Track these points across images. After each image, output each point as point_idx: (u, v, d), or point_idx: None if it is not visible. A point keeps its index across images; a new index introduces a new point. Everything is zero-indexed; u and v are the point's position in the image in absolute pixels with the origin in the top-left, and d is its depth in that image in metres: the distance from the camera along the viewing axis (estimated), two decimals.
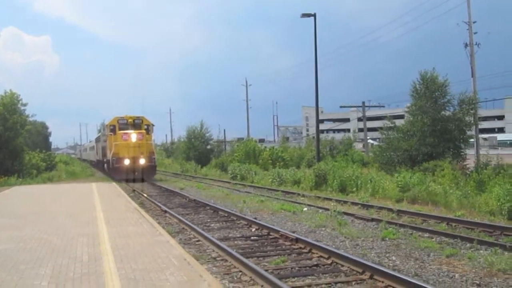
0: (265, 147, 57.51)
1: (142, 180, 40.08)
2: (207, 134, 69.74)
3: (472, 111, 33.43)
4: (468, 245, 12.86)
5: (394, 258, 11.68)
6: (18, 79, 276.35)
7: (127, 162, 40.59)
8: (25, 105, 47.15)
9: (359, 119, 68.18)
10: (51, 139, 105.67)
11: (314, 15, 35.87)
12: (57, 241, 13.08)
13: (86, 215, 18.50)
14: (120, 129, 43.01)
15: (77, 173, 55.72)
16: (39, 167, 51.16)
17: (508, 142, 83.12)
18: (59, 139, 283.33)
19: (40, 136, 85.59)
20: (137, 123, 44.00)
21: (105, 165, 47.49)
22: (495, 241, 13.05)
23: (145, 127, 44.19)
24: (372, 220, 17.29)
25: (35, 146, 62.92)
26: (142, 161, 40.98)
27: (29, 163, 48.68)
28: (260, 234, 15.26)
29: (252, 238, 14.71)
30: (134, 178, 40.04)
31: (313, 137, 61.01)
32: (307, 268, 10.85)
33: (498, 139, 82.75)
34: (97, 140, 59.70)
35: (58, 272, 9.61)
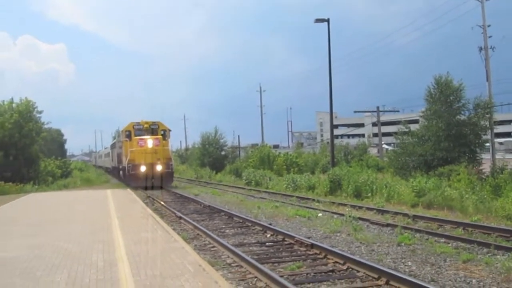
0: (280, 152, 57.54)
1: (160, 187, 38.17)
2: (222, 140, 69.84)
3: (487, 115, 33.20)
4: (485, 250, 12.74)
5: (410, 263, 11.60)
6: (33, 87, 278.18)
7: (143, 168, 39.17)
8: (40, 112, 47.62)
9: (374, 124, 67.85)
10: (66, 146, 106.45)
11: (328, 21, 35.86)
12: (73, 247, 13.11)
13: (101, 222, 18.55)
14: (136, 135, 41.69)
15: (92, 180, 56.04)
16: (55, 174, 51.50)
17: None
18: (74, 146, 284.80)
19: (56, 143, 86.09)
20: (153, 129, 42.70)
21: (121, 172, 46.14)
22: None
23: (162, 132, 42.92)
24: (388, 225, 17.19)
25: (50, 153, 63.39)
26: (159, 168, 39.59)
27: (44, 170, 49.03)
28: (275, 240, 15.22)
29: (267, 244, 14.67)
30: (151, 185, 38.10)
31: (328, 142, 60.99)
32: (323, 273, 10.80)
33: None
34: (113, 146, 58.68)
35: (73, 278, 9.63)
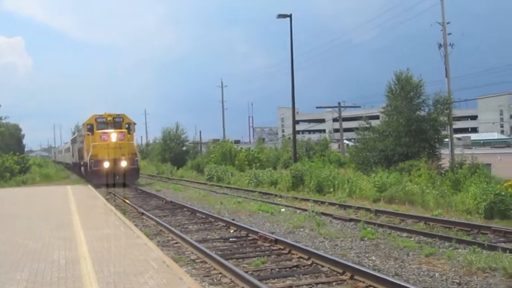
0: (241, 148, 57.41)
1: (124, 185, 35.47)
2: (183, 136, 69.61)
3: (446, 111, 33.64)
4: (447, 244, 12.92)
5: (374, 258, 11.69)
6: None
7: (106, 164, 36.71)
8: None
9: (335, 120, 68.40)
10: (24, 141, 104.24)
11: (290, 16, 35.87)
12: (33, 244, 12.86)
13: (62, 218, 18.25)
14: (99, 128, 39.10)
15: (52, 176, 55.08)
16: (13, 170, 50.40)
17: (482, 141, 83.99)
18: (33, 141, 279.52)
19: (13, 138, 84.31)
20: (117, 122, 40.07)
21: (82, 168, 43.65)
22: (473, 240, 13.17)
23: (126, 125, 40.42)
24: (351, 220, 17.31)
25: (8, 149, 61.91)
26: (123, 164, 37.16)
27: (2, 166, 47.99)
28: (238, 235, 15.19)
29: (230, 239, 14.63)
30: (115, 183, 35.65)
31: (289, 138, 61.16)
32: (287, 269, 10.79)
33: (471, 138, 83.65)
34: (73, 141, 55.82)
35: (34, 276, 9.43)
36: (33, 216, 19.33)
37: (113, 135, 37.71)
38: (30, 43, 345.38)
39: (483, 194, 17.90)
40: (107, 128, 38.98)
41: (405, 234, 14.49)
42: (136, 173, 39.43)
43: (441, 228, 15.30)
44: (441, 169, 29.61)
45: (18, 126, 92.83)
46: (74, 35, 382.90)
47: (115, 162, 37.04)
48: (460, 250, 12.21)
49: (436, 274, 10.07)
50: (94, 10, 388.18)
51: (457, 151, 37.94)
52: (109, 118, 39.99)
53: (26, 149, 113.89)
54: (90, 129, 39.50)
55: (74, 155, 53.96)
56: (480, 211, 17.67)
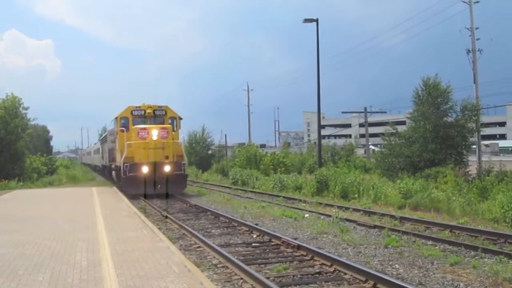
0: (266, 152, 57.39)
1: (166, 196, 29.43)
2: (209, 139, 69.68)
3: (474, 118, 33.29)
4: (473, 253, 12.71)
5: (397, 266, 11.53)
6: (20, 83, 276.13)
7: (145, 169, 29.43)
8: (26, 108, 47.19)
9: (361, 125, 68.12)
10: (52, 143, 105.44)
11: (317, 21, 35.82)
12: (56, 246, 12.94)
13: (85, 220, 18.34)
14: (135, 123, 32.00)
15: (78, 177, 55.66)
16: (40, 171, 51.14)
17: (510, 148, 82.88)
18: (61, 143, 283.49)
19: (41, 139, 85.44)
20: (158, 115, 33.04)
21: (114, 172, 36.71)
22: (500, 249, 12.89)
23: (170, 120, 33.27)
24: (375, 227, 17.13)
25: (36, 150, 62.92)
26: (167, 169, 29.81)
27: (30, 167, 48.60)
28: (261, 240, 15.13)
29: (253, 244, 14.57)
30: (155, 193, 29.55)
31: (315, 142, 60.96)
32: (309, 276, 10.70)
33: (499, 145, 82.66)
34: (103, 140, 47.91)
35: (56, 278, 9.47)
36: (58, 218, 19.44)
37: (154, 132, 30.20)
38: (60, 46, 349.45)
39: (510, 202, 17.62)
40: (146, 123, 31.88)
41: (430, 242, 14.28)
42: (183, 180, 31.55)
43: (467, 236, 15.04)
44: (468, 176, 29.27)
45: (46, 127, 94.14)
46: (104, 39, 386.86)
47: (156, 166, 29.73)
48: (486, 259, 11.99)
49: (461, 284, 9.90)
50: (122, 14, 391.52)
51: (484, 158, 37.55)
52: (148, 111, 32.70)
53: (54, 151, 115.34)
54: (125, 124, 32.33)
55: (103, 157, 46.80)
56: (507, 220, 17.38)
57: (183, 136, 35.48)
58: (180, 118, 34.22)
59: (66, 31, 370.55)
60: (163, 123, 32.22)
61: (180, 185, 30.91)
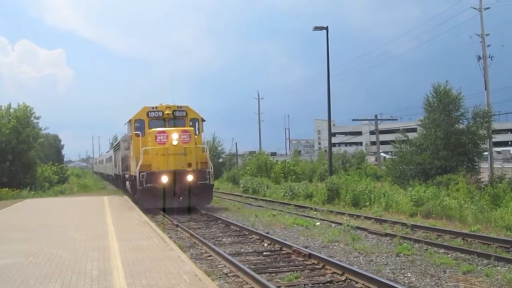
0: (277, 160, 57.34)
1: (189, 210, 25.88)
2: (219, 148, 69.65)
3: (486, 124, 33.17)
4: (485, 261, 12.59)
5: (409, 274, 11.44)
6: (31, 92, 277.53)
7: (164, 179, 25.56)
8: (38, 118, 47.47)
9: (372, 132, 68.00)
10: (63, 152, 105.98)
11: (327, 28, 35.80)
12: (67, 255, 12.95)
13: (97, 229, 18.38)
14: (152, 125, 27.94)
15: (89, 186, 55.89)
16: (51, 180, 51.29)
17: None
18: (72, 152, 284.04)
19: (53, 149, 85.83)
20: (179, 117, 28.85)
21: (128, 183, 32.61)
22: None
23: (191, 123, 28.94)
24: (386, 235, 17.03)
25: (47, 159, 63.18)
26: (189, 178, 25.87)
27: (41, 176, 48.83)
28: (272, 249, 15.07)
29: (264, 253, 14.52)
30: (177, 207, 25.84)
31: (325, 150, 60.90)
32: (321, 284, 10.64)
33: (511, 152, 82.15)
34: (116, 148, 44.83)
35: (67, 287, 9.47)
36: (69, 226, 19.48)
37: (174, 136, 25.95)
38: (71, 56, 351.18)
39: None
40: (165, 126, 27.89)
41: (442, 250, 14.18)
42: (208, 192, 27.38)
43: (479, 244, 14.93)
44: (480, 184, 29.11)
45: (57, 136, 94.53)
46: (114, 49, 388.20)
47: (176, 175, 25.82)
48: (499, 268, 11.88)
49: None
50: (133, 24, 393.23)
51: (496, 165, 37.37)
52: (167, 112, 28.57)
53: (65, 160, 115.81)
54: (140, 128, 28.26)
55: (116, 165, 43.26)
56: None
57: (207, 139, 29.80)
58: (203, 120, 29.88)
59: (78, 41, 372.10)
60: (184, 126, 28.07)
61: (205, 197, 27.02)
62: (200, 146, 28.35)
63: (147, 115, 28.45)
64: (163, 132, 26.38)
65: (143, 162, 25.97)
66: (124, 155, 34.63)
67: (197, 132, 28.67)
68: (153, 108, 28.72)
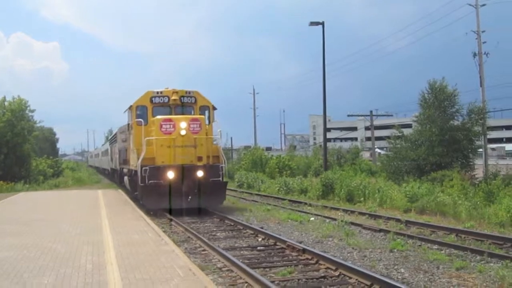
0: (272, 155, 57.36)
1: (199, 210, 22.60)
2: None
3: (481, 121, 33.23)
4: (478, 257, 12.62)
5: (402, 270, 11.47)
6: (26, 85, 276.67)
7: (171, 175, 21.96)
8: (32, 111, 47.42)
9: (367, 128, 67.95)
10: (58, 145, 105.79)
11: (323, 24, 35.80)
12: (61, 249, 12.95)
13: (91, 223, 18.38)
14: (157, 113, 24.20)
15: (84, 180, 55.79)
16: (46, 173, 51.26)
17: None
18: (67, 145, 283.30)
19: (48, 142, 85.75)
20: (187, 103, 25.03)
21: (126, 178, 28.63)
22: (506, 254, 12.82)
23: (200, 110, 25.20)
24: (380, 230, 17.07)
25: (42, 152, 63.20)
26: (200, 174, 22.40)
27: (36, 169, 48.81)
28: (266, 244, 15.09)
29: (258, 248, 14.52)
30: (185, 207, 22.22)
31: (320, 145, 60.95)
32: (314, 280, 10.66)
33: (506, 149, 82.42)
34: (112, 140, 41.24)
35: (61, 281, 9.46)
36: (63, 220, 19.47)
37: (182, 125, 22.33)
38: (66, 49, 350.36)
39: None
40: (171, 113, 24.23)
41: (435, 246, 14.21)
42: (221, 190, 23.69)
43: (472, 240, 14.97)
44: (474, 180, 29.18)
45: (52, 130, 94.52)
46: (110, 43, 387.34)
47: (185, 171, 22.23)
48: (492, 264, 11.91)
49: None
50: (128, 17, 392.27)
51: (491, 161, 37.42)
52: (173, 97, 24.60)
53: (60, 153, 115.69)
54: (142, 115, 24.57)
55: (113, 159, 39.82)
56: None
57: (219, 130, 26.54)
58: (214, 108, 25.87)
59: (73, 34, 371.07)
60: (192, 114, 24.70)
61: (217, 196, 23.33)
62: (212, 137, 25.07)
63: (151, 100, 24.71)
64: (170, 120, 22.72)
65: (145, 154, 22.36)
66: (121, 147, 31.11)
67: (207, 122, 25.03)
68: (157, 93, 24.95)
